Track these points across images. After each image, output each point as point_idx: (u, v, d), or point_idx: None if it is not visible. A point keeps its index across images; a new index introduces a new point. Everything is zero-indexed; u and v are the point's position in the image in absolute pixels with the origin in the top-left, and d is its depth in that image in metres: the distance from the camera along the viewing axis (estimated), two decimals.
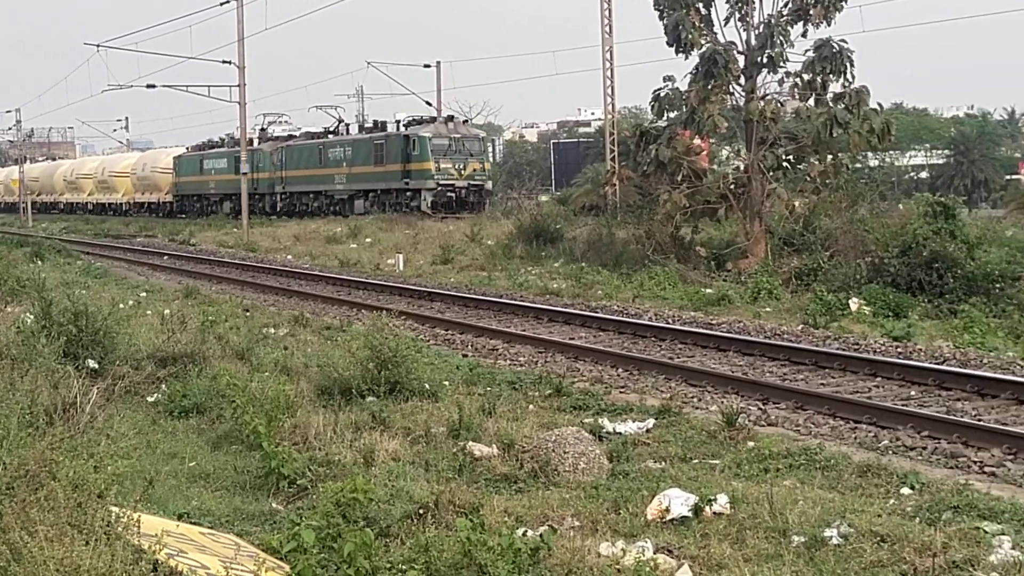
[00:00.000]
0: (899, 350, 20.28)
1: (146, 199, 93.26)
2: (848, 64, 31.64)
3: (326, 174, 66.95)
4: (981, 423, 14.17)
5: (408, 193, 59.41)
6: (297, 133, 77.19)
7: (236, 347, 18.58)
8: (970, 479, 11.24)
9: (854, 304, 25.55)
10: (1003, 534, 9.10)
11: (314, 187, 68.37)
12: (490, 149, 70.48)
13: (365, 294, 32.28)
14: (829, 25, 32.21)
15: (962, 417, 14.67)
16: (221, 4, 61.39)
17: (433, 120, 62.32)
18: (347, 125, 72.52)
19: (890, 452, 12.73)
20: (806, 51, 32.15)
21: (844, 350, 20.21)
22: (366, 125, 68.83)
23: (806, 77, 32.13)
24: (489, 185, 62.06)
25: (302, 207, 69.44)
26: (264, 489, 11.21)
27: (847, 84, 32.03)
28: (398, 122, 64.53)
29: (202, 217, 78.12)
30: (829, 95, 32.15)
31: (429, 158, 58.54)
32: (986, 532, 9.15)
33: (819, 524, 9.40)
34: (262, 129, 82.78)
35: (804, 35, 32.46)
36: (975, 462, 12.33)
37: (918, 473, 11.28)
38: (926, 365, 18.20)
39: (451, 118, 63.80)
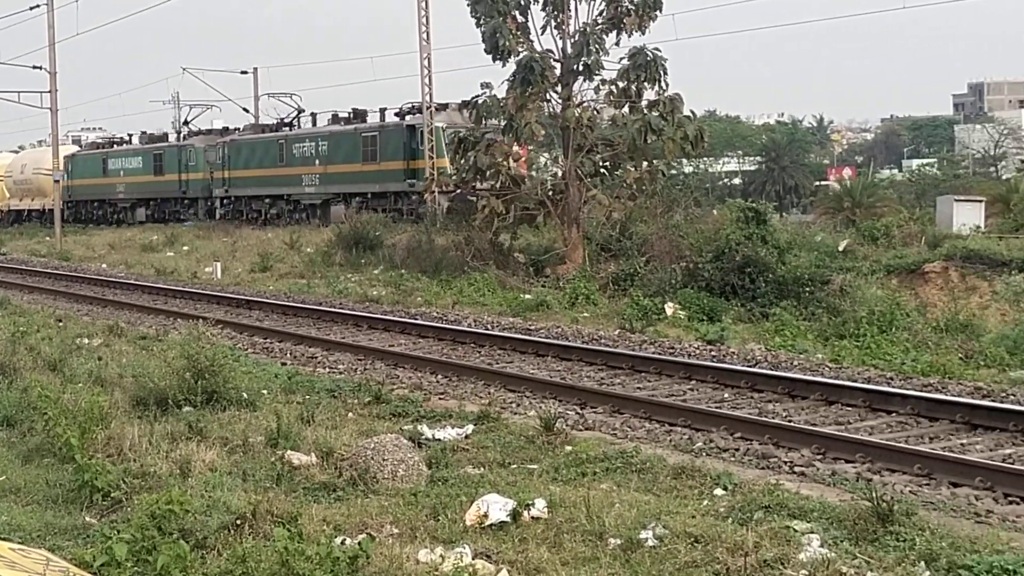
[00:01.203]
0: (713, 353, 20.67)
1: (26, 206, 80.00)
2: (662, 72, 32.17)
3: (290, 174, 54.90)
4: (791, 424, 14.55)
5: (414, 196, 47.40)
6: (241, 126, 64.53)
7: (48, 358, 18.16)
8: (780, 479, 11.49)
9: (669, 308, 25.99)
10: (812, 532, 9.32)
11: (271, 190, 56.52)
12: None
13: (182, 303, 31.77)
14: (643, 34, 32.71)
15: (773, 418, 15.03)
16: (31, 8, 59.76)
17: (445, 107, 48.65)
18: (313, 115, 58.56)
19: (704, 454, 12.97)
20: (621, 59, 32.61)
21: (660, 354, 20.53)
22: (342, 115, 54.72)
23: (621, 85, 32.57)
24: None
25: (253, 213, 57.86)
26: (77, 503, 10.96)
27: (661, 91, 32.57)
28: (384, 110, 51.53)
29: (106, 226, 67.72)
30: (644, 102, 32.63)
31: (444, 154, 45.60)
32: (795, 531, 9.37)
33: (635, 526, 9.53)
34: (185, 122, 70.85)
35: (618, 43, 32.92)
36: (785, 462, 12.63)
37: (731, 474, 11.50)
38: (739, 368, 18.59)
39: (467, 104, 47.65)
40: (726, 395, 16.98)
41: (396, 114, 50.12)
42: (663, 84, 32.43)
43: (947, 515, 10.20)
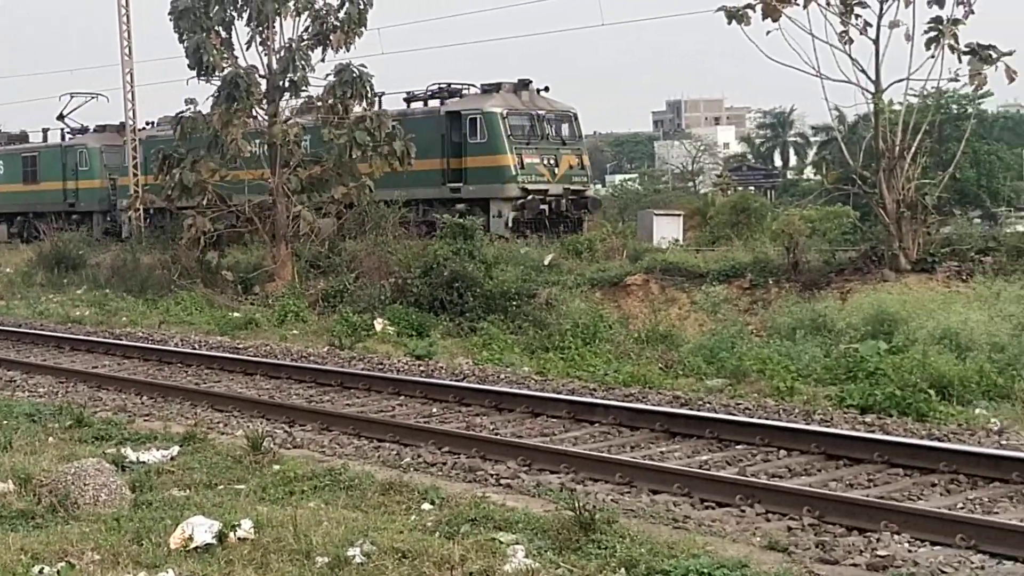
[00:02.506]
0: (422, 368, 20.82)
1: None
2: (369, 87, 32.25)
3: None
4: (498, 437, 14.78)
5: (460, 205, 36.23)
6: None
7: None
8: (487, 491, 11.67)
9: (379, 324, 26.05)
10: (517, 543, 9.49)
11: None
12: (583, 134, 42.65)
13: None
14: (349, 50, 32.70)
15: (480, 432, 15.24)
16: None
17: (497, 88, 38.87)
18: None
19: (412, 469, 13.04)
20: (327, 75, 32.54)
21: (369, 370, 20.58)
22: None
23: (329, 101, 32.51)
24: (591, 191, 41.53)
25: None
26: None
27: (368, 107, 32.64)
28: (415, 95, 40.73)
29: None
30: (351, 118, 32.62)
31: (506, 148, 37.14)
32: (501, 542, 9.52)
33: (343, 544, 9.52)
34: (60, 116, 53.98)
35: (323, 59, 32.84)
36: (492, 475, 12.81)
37: (438, 488, 11.60)
38: (447, 382, 18.78)
39: (525, 84, 39.23)
40: (435, 410, 17.13)
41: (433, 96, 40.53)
42: (370, 100, 32.52)
43: (647, 522, 10.51)
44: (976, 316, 20.60)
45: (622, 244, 32.52)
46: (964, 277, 24.57)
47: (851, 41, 26.97)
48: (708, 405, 16.66)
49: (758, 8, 25.79)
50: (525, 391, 17.77)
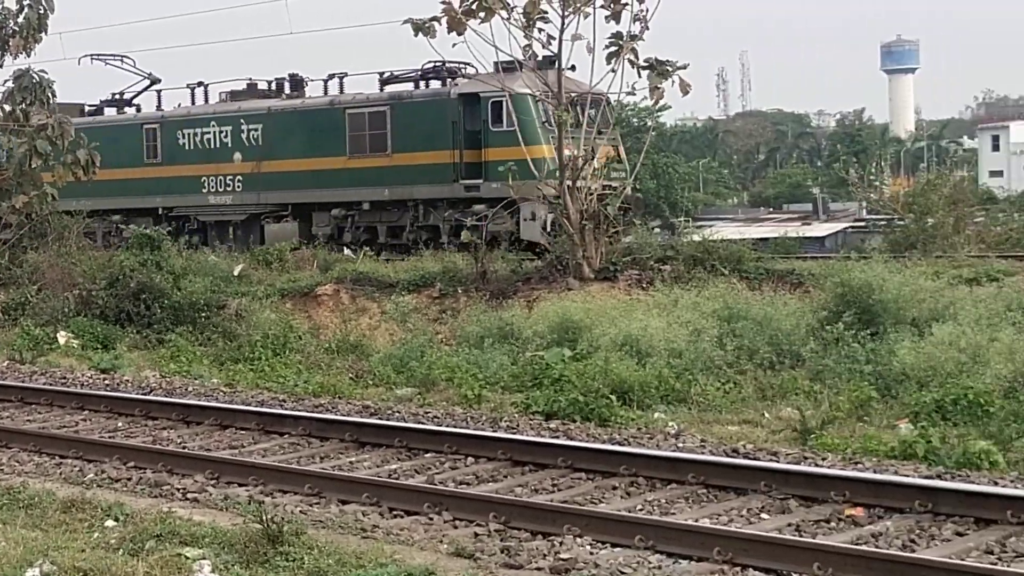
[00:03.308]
0: (107, 382, 20.35)
1: None
2: (50, 94, 31.21)
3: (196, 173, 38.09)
4: (185, 450, 14.58)
5: (477, 206, 31.43)
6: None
7: None
8: (174, 506, 11.50)
9: (62, 337, 25.31)
10: (203, 558, 9.41)
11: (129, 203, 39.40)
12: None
13: None
14: (29, 55, 31.55)
15: (167, 446, 15.00)
16: None
17: (518, 64, 29.77)
18: (203, 87, 39.64)
19: (96, 485, 12.74)
20: (5, 81, 31.35)
21: (51, 384, 19.98)
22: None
23: (7, 108, 31.32)
24: (629, 190, 31.65)
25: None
26: None
27: (50, 115, 31.60)
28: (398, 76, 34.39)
29: None
30: (33, 126, 31.48)
31: (540, 137, 30.71)
32: (188, 558, 9.42)
33: (21, 564, 9.25)
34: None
35: (1, 65, 31.62)
36: (179, 489, 12.62)
37: (123, 504, 11.38)
38: (133, 396, 18.40)
39: (551, 62, 29.75)
40: (120, 424, 16.77)
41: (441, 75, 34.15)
42: (51, 107, 31.49)
43: (335, 532, 10.55)
44: (655, 323, 21.36)
45: (312, 254, 32.41)
46: (644, 285, 25.42)
47: (535, 55, 27.62)
48: (397, 414, 16.79)
49: (444, 21, 26.12)
50: (213, 403, 17.55)
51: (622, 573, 9.51)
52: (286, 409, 17.13)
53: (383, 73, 34.31)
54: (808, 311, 21.51)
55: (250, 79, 38.53)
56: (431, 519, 11.34)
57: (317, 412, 16.79)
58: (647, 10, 26.17)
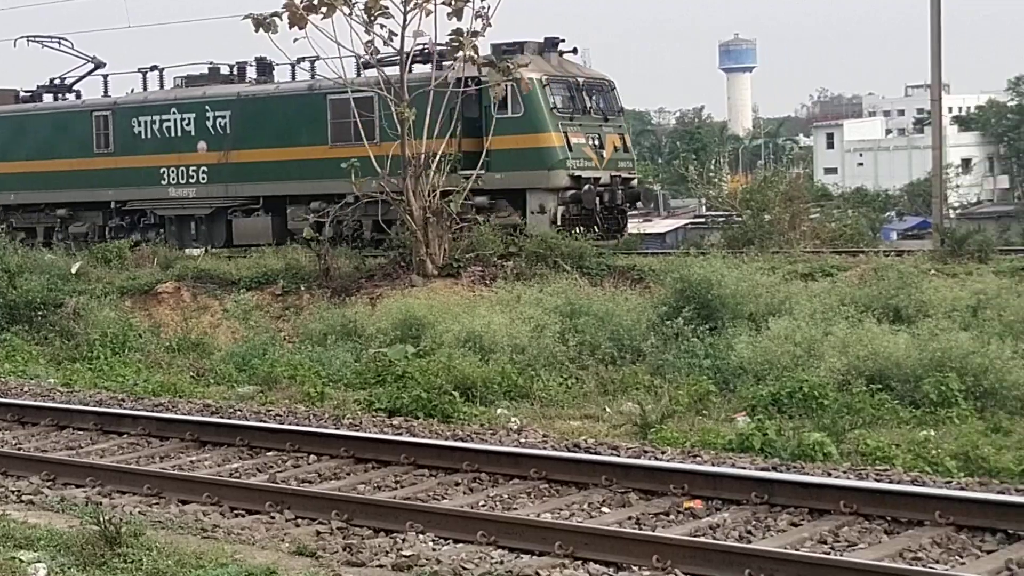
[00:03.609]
0: None
1: None
2: None
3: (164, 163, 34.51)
4: (20, 452, 14.33)
5: (479, 198, 29.05)
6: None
7: None
8: (8, 509, 11.27)
9: None
10: (39, 562, 9.25)
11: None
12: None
13: None
14: None
15: (1, 447, 14.70)
16: None
17: (520, 47, 29.72)
18: (158, 72, 36.12)
19: None
20: None
21: None
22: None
23: None
24: (636, 183, 31.78)
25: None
26: None
27: None
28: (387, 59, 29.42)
29: None
30: None
31: (549, 125, 29.05)
32: (22, 561, 9.26)
33: None
34: None
35: None
36: (13, 491, 12.36)
37: None
38: None
39: (554, 44, 30.52)
40: None
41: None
42: None
43: (175, 533, 10.43)
44: (499, 319, 21.46)
45: (152, 252, 31.88)
46: (487, 282, 25.51)
47: (377, 51, 27.53)
48: (239, 413, 16.65)
49: (285, 17, 25.89)
50: (50, 403, 17.24)
51: (464, 569, 9.55)
52: (125, 409, 16.89)
53: (360, 57, 30.65)
54: (649, 307, 21.79)
55: (211, 63, 35.12)
56: (273, 518, 11.29)
57: (157, 411, 16.58)
58: (488, 7, 26.22)
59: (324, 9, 25.81)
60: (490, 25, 26.46)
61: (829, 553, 9.94)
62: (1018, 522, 10.21)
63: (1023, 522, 10.18)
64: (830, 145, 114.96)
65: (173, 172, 34.00)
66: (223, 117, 32.91)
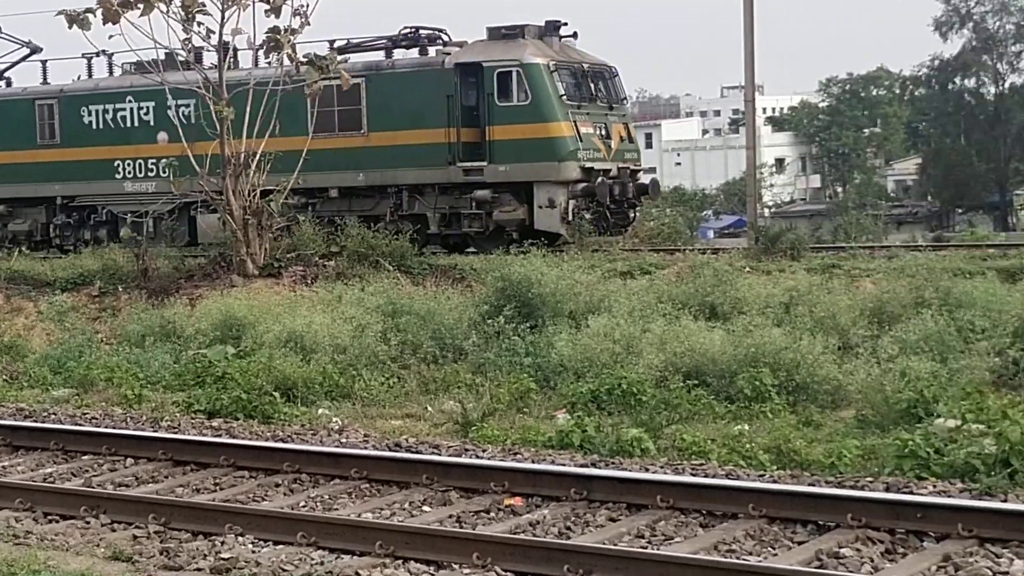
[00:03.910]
0: None
1: None
2: None
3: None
4: None
5: (480, 191, 28.06)
6: None
7: None
8: None
9: None
10: None
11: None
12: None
13: None
14: None
15: None
16: None
17: (520, 31, 28.55)
18: (107, 57, 33.26)
19: None
20: None
21: None
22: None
23: None
24: (643, 175, 30.64)
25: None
26: None
27: None
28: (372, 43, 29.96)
29: None
30: None
31: (558, 113, 27.63)
32: None
33: None
34: None
35: None
36: None
37: None
38: None
39: (556, 28, 29.27)
40: None
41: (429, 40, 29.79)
42: None
43: None
44: (320, 319, 21.35)
45: None
46: (309, 281, 25.35)
47: (194, 48, 27.15)
48: (54, 416, 16.34)
49: (99, 13, 25.37)
50: None
51: (283, 570, 9.52)
52: None
53: (334, 41, 29.29)
54: (471, 305, 21.87)
55: (169, 49, 29.50)
56: (88, 523, 11.12)
57: None
58: (307, 5, 26.03)
59: (141, 6, 25.37)
60: (308, 23, 26.27)
61: (646, 547, 10.11)
62: (828, 513, 10.50)
63: (832, 513, 10.46)
64: (648, 145, 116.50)
65: (129, 165, 32.04)
66: (186, 106, 29.45)
